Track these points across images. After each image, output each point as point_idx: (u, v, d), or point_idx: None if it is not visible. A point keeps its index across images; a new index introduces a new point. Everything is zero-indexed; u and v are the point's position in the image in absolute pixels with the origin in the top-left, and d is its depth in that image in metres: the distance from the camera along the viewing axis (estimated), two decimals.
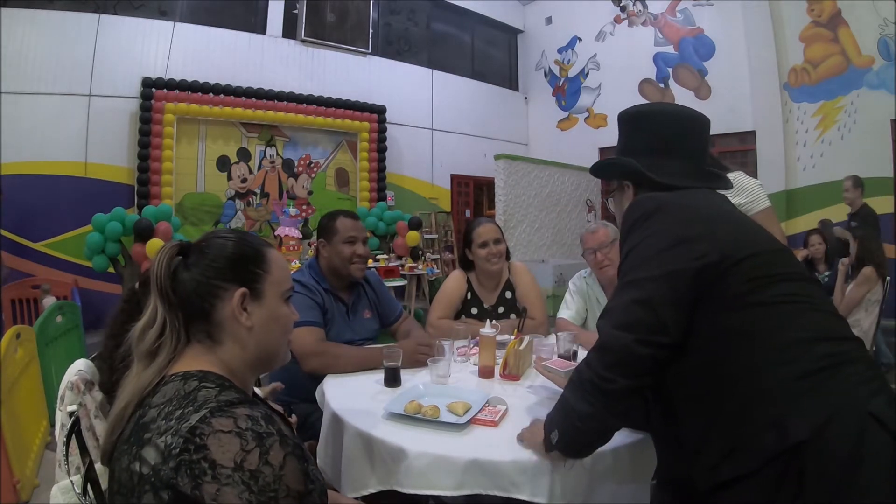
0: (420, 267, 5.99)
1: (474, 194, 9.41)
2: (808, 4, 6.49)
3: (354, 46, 7.77)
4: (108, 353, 1.11)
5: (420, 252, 6.49)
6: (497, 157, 7.03)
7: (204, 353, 0.77)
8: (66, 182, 5.64)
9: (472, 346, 1.82)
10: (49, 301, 4.00)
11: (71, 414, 1.01)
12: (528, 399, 1.39)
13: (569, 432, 0.97)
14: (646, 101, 6.18)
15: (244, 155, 6.91)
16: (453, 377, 1.54)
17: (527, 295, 2.21)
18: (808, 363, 0.81)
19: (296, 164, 7.32)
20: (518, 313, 2.09)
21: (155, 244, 4.50)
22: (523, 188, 7.12)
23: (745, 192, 1.98)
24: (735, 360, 0.85)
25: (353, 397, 1.42)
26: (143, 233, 4.59)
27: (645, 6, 8.19)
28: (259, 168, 7.02)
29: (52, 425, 1.97)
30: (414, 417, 1.22)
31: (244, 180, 6.91)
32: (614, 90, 8.48)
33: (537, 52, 9.77)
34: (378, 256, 5.76)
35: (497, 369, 1.61)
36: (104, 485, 0.89)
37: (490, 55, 9.85)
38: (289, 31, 7.29)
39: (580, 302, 2.20)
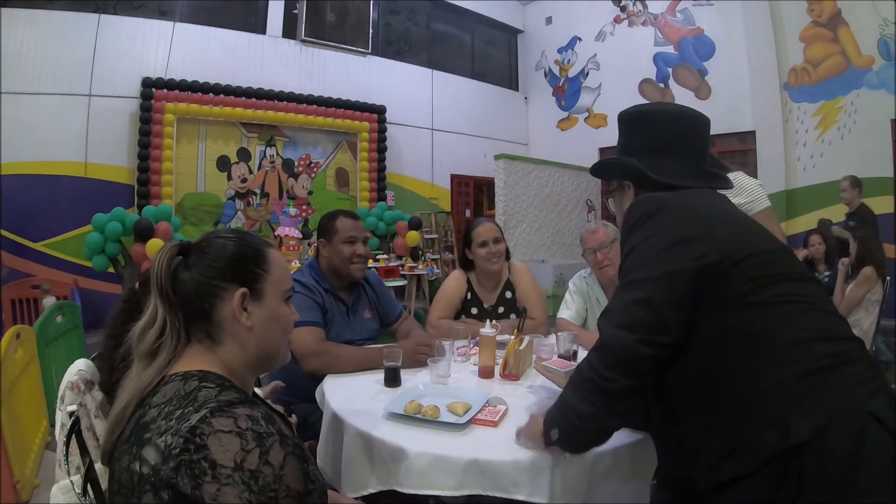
0: (420, 267, 5.99)
1: (474, 194, 9.41)
2: (808, 4, 6.49)
3: (354, 46, 7.76)
4: (109, 353, 1.11)
5: (420, 252, 6.49)
6: (497, 157, 7.03)
7: (204, 353, 0.77)
8: (66, 182, 5.64)
9: (472, 346, 1.82)
10: (49, 301, 4.00)
11: (71, 414, 1.01)
12: (528, 399, 1.39)
13: (568, 431, 0.97)
14: (646, 101, 6.18)
15: (244, 155, 6.91)
16: (453, 377, 1.54)
17: (527, 295, 2.21)
18: (808, 363, 0.81)
19: (296, 164, 7.32)
20: (518, 313, 2.09)
21: (155, 244, 4.50)
22: (523, 188, 7.12)
23: (746, 192, 1.97)
24: (735, 360, 0.85)
25: (353, 397, 1.42)
26: (143, 233, 4.59)
27: (645, 6, 8.19)
28: (259, 168, 7.02)
29: (52, 425, 1.97)
30: (414, 417, 1.22)
31: (244, 180, 6.91)
32: (614, 90, 8.48)
33: (537, 52, 9.77)
34: (378, 256, 5.76)
35: (497, 369, 1.60)
36: (104, 485, 0.89)
37: (490, 55, 9.85)
38: (289, 31, 7.29)
39: (580, 302, 2.20)
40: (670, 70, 7.89)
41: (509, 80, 10.03)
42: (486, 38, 9.77)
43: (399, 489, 1.09)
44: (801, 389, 0.80)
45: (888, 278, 3.40)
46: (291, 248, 5.91)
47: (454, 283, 2.22)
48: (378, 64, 8.11)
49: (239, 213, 6.87)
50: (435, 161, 8.74)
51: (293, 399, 1.74)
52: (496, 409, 1.27)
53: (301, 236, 6.31)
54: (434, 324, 2.12)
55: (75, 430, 0.99)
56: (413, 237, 6.28)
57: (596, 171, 1.22)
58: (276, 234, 6.41)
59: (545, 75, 9.67)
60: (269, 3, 7.17)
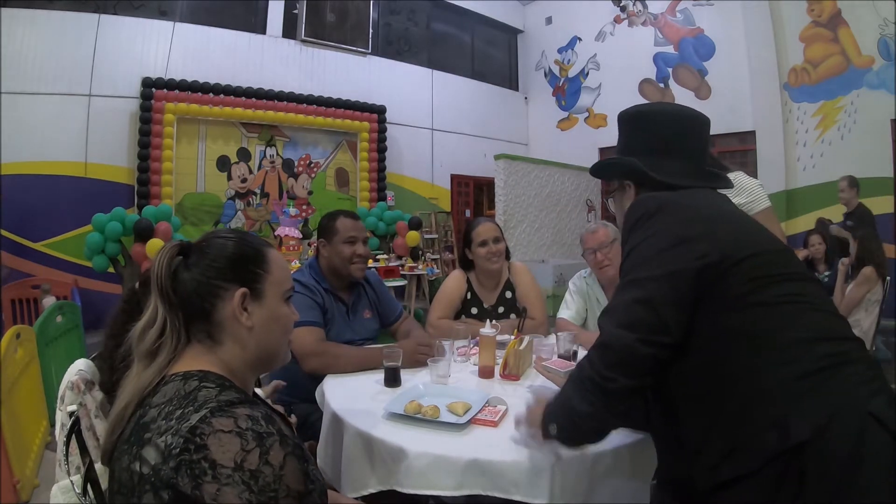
0: (420, 267, 5.99)
1: (474, 194, 9.41)
2: (808, 4, 6.49)
3: (354, 46, 7.76)
4: (109, 353, 1.11)
5: (420, 252, 6.49)
6: (497, 157, 7.04)
7: (204, 353, 0.77)
8: (66, 182, 5.64)
9: (472, 346, 1.82)
10: (49, 301, 4.00)
11: (71, 414, 1.01)
12: (527, 399, 1.39)
13: (567, 427, 0.97)
14: (646, 101, 6.18)
15: (244, 155, 6.91)
16: (453, 377, 1.54)
17: (527, 295, 2.21)
18: (808, 363, 0.81)
19: (296, 164, 7.32)
20: (518, 313, 2.09)
21: (155, 244, 4.50)
22: (523, 188, 7.12)
23: (746, 192, 1.98)
24: (735, 360, 0.85)
25: (353, 397, 1.42)
26: (143, 233, 4.59)
27: (645, 6, 8.19)
28: (259, 168, 7.02)
29: (52, 425, 1.97)
30: (414, 417, 1.22)
31: (244, 180, 6.90)
32: (614, 90, 8.48)
33: (537, 52, 9.77)
34: (378, 256, 5.76)
35: (497, 369, 1.60)
36: (104, 485, 0.89)
37: (490, 55, 9.85)
38: (289, 31, 7.29)
39: (580, 302, 2.20)
40: (670, 70, 7.89)
41: (509, 80, 10.03)
42: (486, 38, 9.77)
43: (399, 489, 1.09)
44: (801, 389, 0.80)
45: (888, 278, 3.40)
46: (291, 248, 5.91)
47: (454, 283, 2.22)
48: (378, 64, 8.11)
49: (239, 213, 6.87)
50: (435, 161, 8.74)
51: (293, 399, 1.74)
52: (496, 409, 1.27)
53: (301, 236, 6.31)
54: (434, 324, 2.12)
55: (75, 430, 0.99)
56: (413, 237, 6.28)
57: (596, 171, 1.22)
58: (276, 234, 6.41)
59: (545, 75, 9.67)
60: (269, 3, 7.17)
